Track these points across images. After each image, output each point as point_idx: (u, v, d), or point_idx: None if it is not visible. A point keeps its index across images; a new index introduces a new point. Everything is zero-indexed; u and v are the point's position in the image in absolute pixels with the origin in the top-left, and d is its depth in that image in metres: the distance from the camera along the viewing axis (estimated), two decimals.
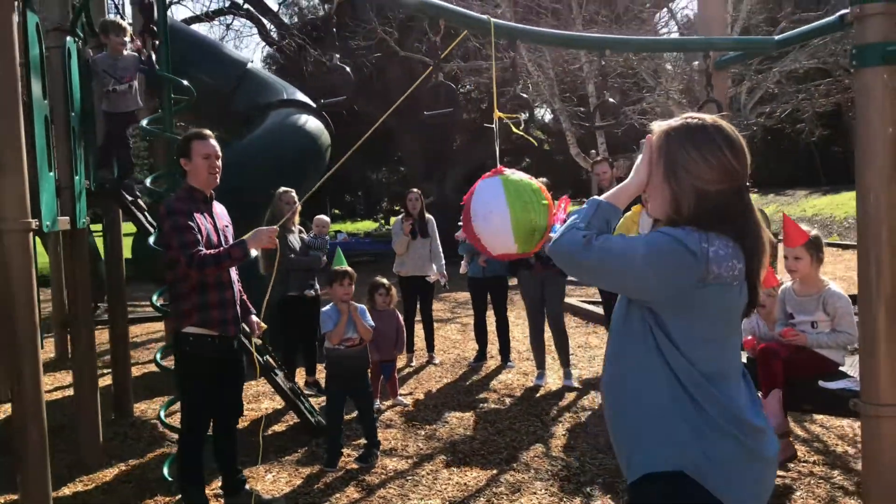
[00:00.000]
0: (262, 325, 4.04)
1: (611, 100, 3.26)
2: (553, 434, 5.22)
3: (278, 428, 5.56)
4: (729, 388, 1.78)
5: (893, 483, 2.93)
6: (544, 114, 26.17)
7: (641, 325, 1.80)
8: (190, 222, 3.59)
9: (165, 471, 4.36)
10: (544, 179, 2.98)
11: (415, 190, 7.40)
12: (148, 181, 4.43)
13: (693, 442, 1.73)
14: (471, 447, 5.00)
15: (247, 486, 4.11)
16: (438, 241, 7.48)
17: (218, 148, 3.75)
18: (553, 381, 6.64)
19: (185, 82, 4.50)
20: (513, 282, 7.21)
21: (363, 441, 5.08)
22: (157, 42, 4.68)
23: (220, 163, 3.75)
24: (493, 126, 2.68)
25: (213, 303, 3.70)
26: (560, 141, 27.63)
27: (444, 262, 7.49)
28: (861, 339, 3.04)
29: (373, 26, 10.39)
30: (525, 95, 3.24)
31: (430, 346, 7.70)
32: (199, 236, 3.58)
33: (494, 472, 4.56)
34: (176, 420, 4.48)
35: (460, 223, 7.20)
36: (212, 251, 3.59)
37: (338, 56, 2.62)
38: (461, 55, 9.63)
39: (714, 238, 1.71)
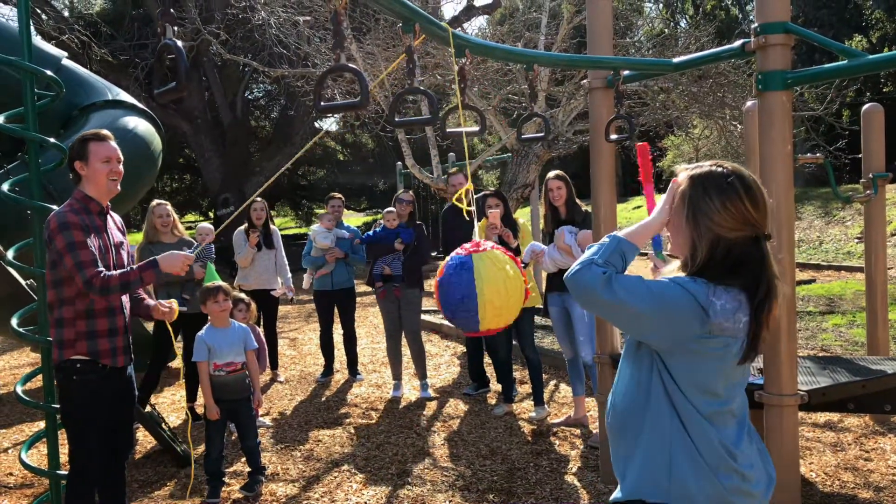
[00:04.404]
0: (174, 306, 3.50)
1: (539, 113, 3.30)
2: (433, 444, 5.19)
3: (133, 458, 5.00)
4: (724, 428, 1.84)
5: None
6: (332, 124, 26.00)
7: (649, 359, 1.89)
8: (87, 238, 3.12)
9: None
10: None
11: (259, 199, 7.04)
12: (5, 186, 3.75)
13: (681, 477, 1.81)
14: (356, 464, 4.84)
15: None
16: (284, 254, 7.17)
17: (119, 151, 3.29)
18: (409, 391, 6.63)
19: (50, 72, 3.89)
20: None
21: (237, 468, 4.73)
22: None
23: (122, 167, 3.29)
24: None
25: (102, 331, 3.23)
26: (355, 152, 27.74)
27: (290, 274, 7.19)
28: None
29: (195, 25, 9.68)
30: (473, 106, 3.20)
31: (275, 364, 7.36)
32: (96, 254, 3.13)
33: (390, 488, 4.44)
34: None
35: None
36: (117, 273, 3.13)
37: (175, 29, 1.99)
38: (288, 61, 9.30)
39: (722, 292, 1.78)
